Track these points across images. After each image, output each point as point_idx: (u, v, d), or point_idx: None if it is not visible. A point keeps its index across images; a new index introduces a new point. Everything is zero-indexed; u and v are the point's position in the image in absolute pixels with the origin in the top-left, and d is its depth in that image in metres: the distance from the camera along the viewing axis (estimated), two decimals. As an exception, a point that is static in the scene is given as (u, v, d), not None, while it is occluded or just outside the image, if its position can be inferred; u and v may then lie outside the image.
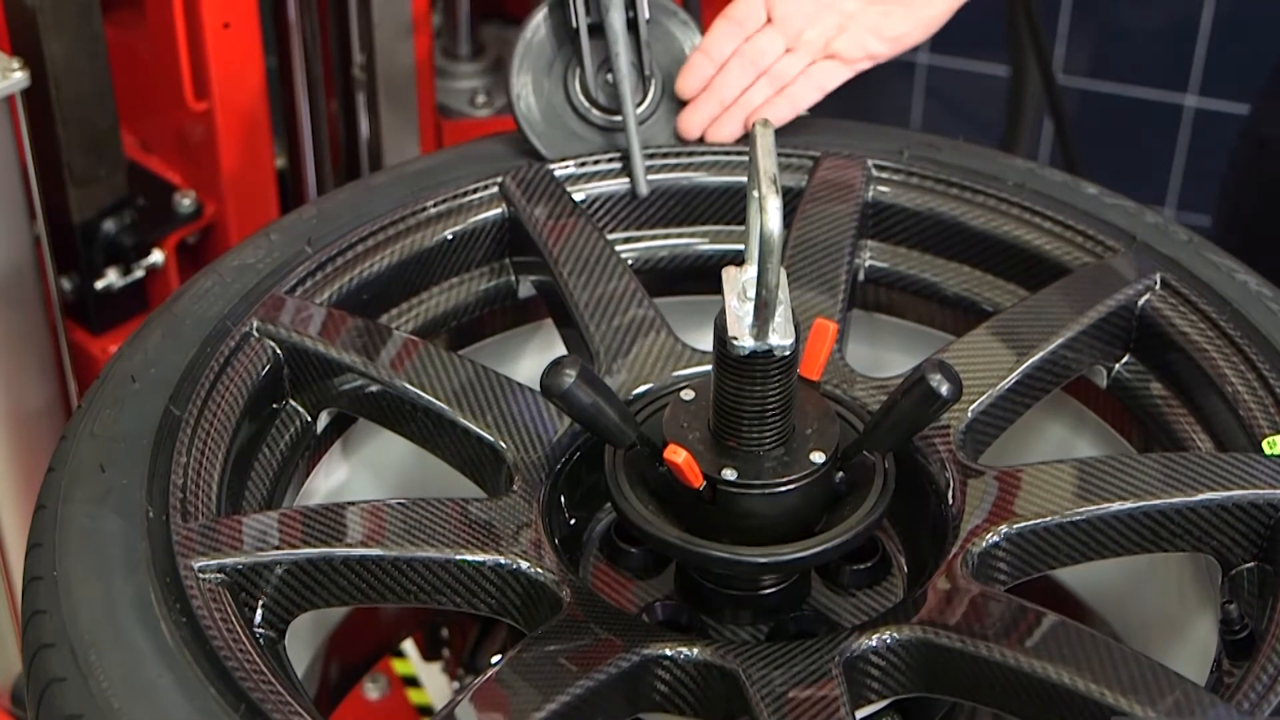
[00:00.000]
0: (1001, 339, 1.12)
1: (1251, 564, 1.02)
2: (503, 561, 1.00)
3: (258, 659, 0.92)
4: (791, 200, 1.22)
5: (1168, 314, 1.13)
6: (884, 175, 1.24)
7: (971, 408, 1.08)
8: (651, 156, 1.26)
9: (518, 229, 1.22)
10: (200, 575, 0.95)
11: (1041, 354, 1.11)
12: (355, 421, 1.19)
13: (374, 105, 1.72)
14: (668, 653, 0.95)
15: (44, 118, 1.48)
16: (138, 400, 1.06)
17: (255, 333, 1.10)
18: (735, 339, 0.94)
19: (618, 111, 1.26)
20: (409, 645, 1.86)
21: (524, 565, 1.00)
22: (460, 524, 1.01)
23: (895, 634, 0.96)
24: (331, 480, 1.23)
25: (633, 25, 1.26)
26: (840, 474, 1.01)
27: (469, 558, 1.00)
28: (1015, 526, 1.01)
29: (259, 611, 0.98)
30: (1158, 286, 1.14)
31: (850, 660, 0.95)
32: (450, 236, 1.21)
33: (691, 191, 1.26)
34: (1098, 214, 1.21)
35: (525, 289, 1.25)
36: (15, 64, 1.42)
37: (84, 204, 1.53)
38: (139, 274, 1.60)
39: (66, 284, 1.57)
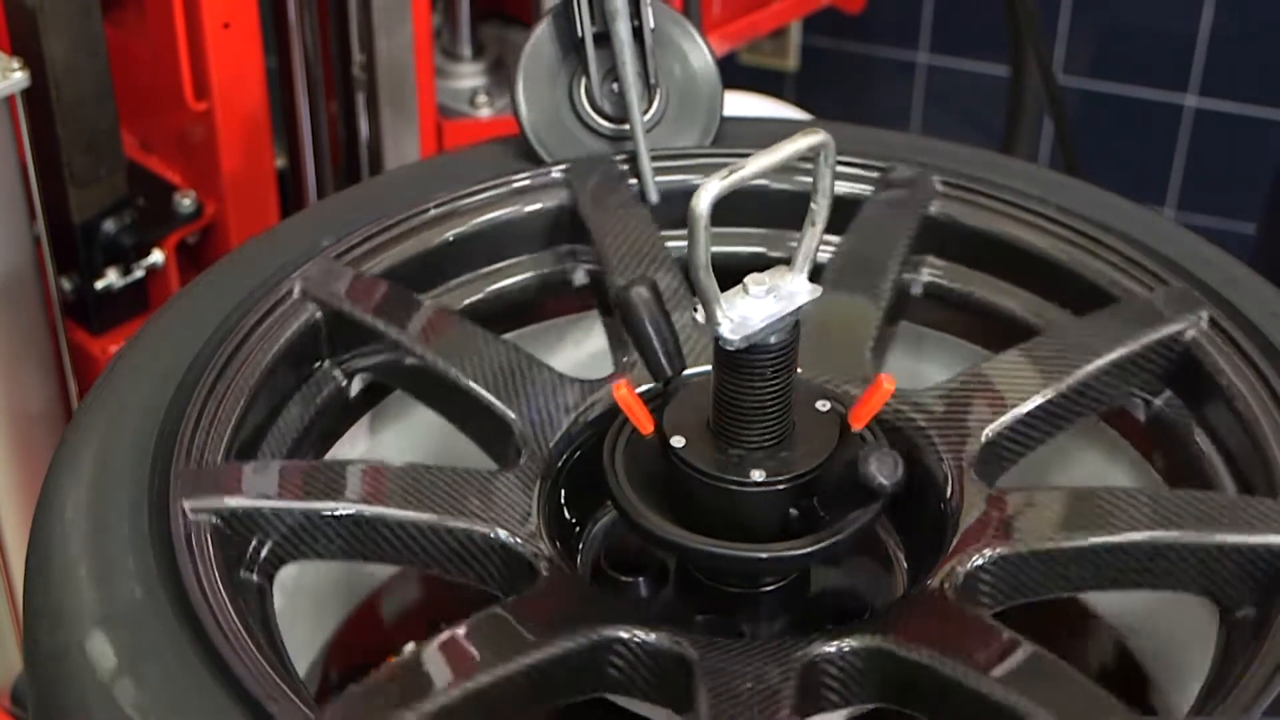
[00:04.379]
0: (1033, 362, 1.10)
1: (1250, 610, 1.00)
2: (493, 534, 1.00)
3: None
4: (852, 210, 1.21)
5: (1211, 352, 1.10)
6: (949, 192, 1.23)
7: (988, 429, 1.07)
8: (657, 159, 1.26)
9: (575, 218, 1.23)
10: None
11: (1072, 381, 1.09)
12: (388, 396, 1.20)
13: (374, 105, 1.72)
14: (623, 635, 0.95)
15: (44, 118, 1.48)
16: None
17: (298, 294, 1.11)
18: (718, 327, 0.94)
19: (623, 120, 1.26)
20: (409, 645, 1.86)
21: (502, 534, 1.00)
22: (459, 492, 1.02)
23: (854, 642, 0.94)
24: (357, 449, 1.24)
25: (637, 34, 1.26)
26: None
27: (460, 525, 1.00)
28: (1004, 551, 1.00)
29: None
30: (1204, 324, 1.11)
31: (810, 663, 0.94)
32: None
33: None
34: (1156, 246, 1.18)
35: (580, 277, 1.26)
36: (15, 64, 1.42)
37: (84, 204, 1.53)
38: (139, 274, 1.60)
39: (66, 284, 1.57)
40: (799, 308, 0.95)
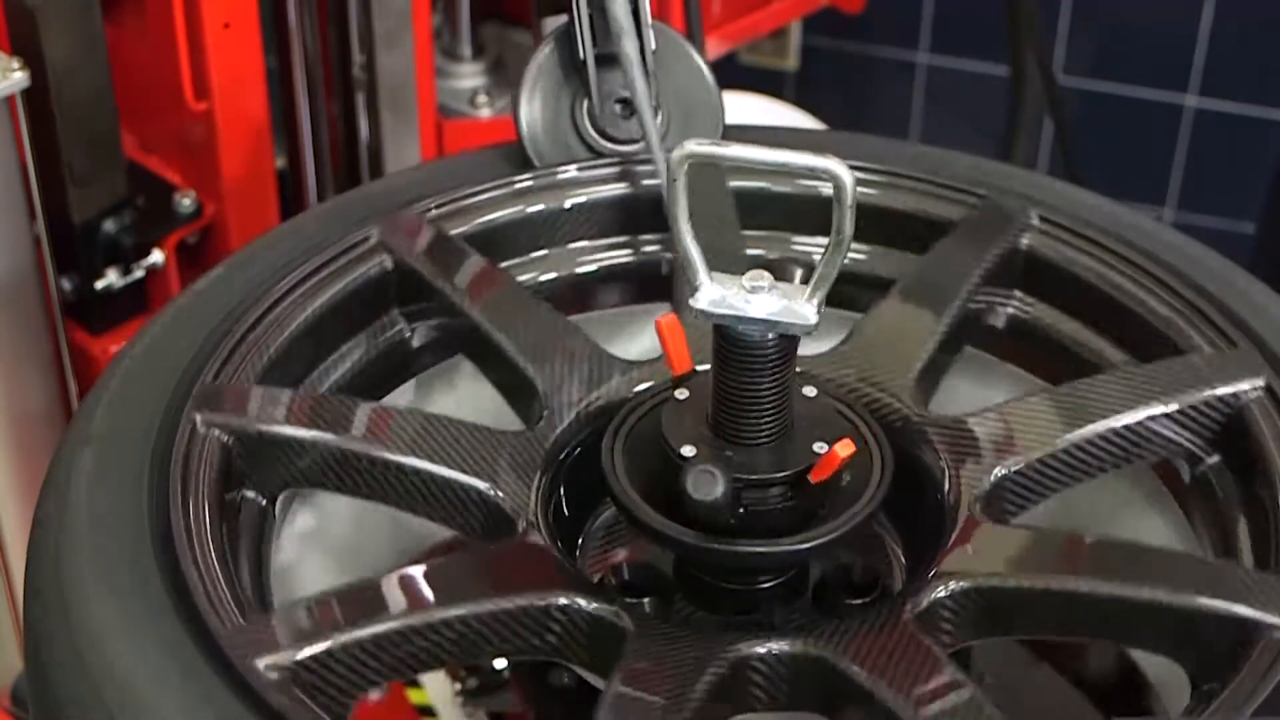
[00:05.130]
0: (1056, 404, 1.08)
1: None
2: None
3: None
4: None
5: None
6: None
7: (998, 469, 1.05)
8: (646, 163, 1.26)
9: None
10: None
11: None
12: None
13: (374, 106, 1.72)
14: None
15: (44, 118, 1.47)
16: None
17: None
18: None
19: (626, 141, 1.27)
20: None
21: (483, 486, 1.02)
22: None
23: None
24: None
25: (640, 55, 1.26)
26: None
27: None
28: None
29: None
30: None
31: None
32: None
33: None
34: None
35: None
36: (15, 64, 1.42)
37: (84, 204, 1.53)
38: (139, 274, 1.59)
39: (66, 284, 1.57)
40: (791, 326, 0.93)
